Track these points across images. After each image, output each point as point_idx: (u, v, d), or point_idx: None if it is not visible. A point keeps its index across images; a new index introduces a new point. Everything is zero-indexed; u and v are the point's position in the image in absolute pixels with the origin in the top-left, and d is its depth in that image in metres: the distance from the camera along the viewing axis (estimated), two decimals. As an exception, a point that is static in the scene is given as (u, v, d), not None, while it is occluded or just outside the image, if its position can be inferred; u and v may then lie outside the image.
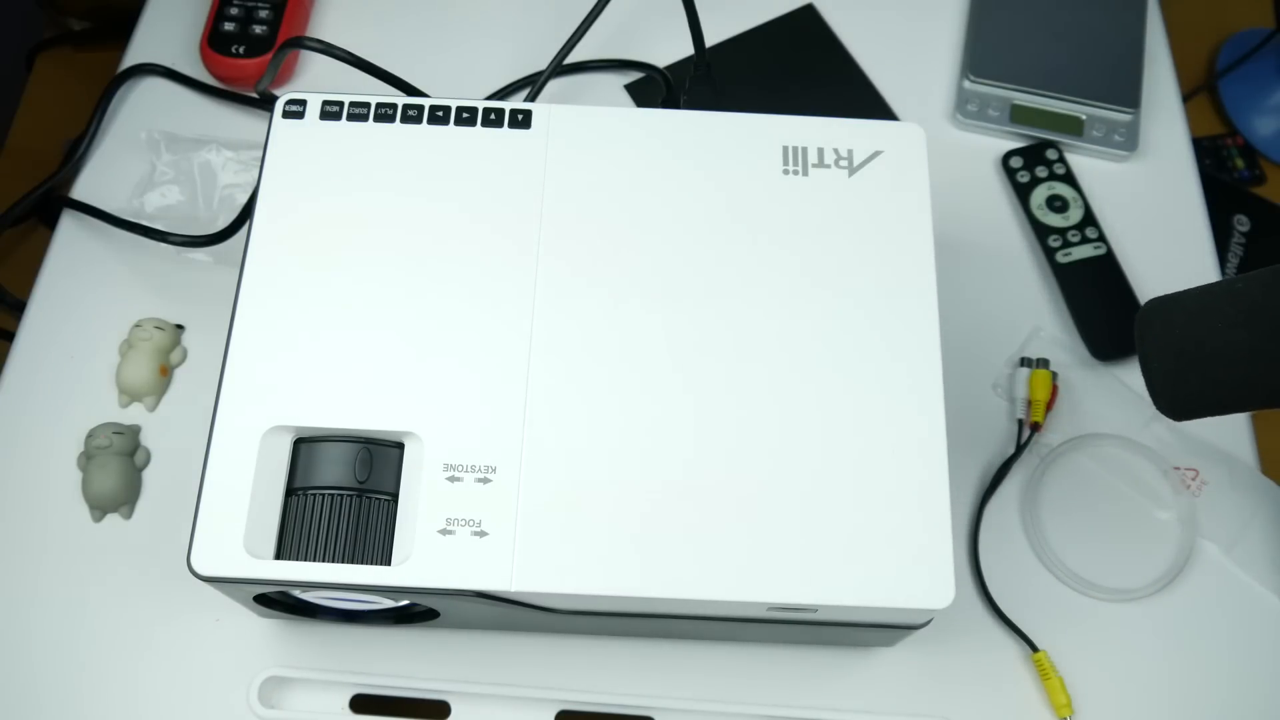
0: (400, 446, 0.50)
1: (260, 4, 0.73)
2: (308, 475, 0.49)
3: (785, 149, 0.55)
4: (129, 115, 0.72)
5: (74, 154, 0.70)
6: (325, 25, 0.76)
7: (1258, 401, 0.45)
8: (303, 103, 0.55)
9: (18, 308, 0.66)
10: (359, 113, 0.55)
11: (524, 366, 0.50)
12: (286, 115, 0.55)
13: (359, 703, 0.56)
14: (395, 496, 0.49)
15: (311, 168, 0.54)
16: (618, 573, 0.47)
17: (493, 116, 0.55)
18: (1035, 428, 0.63)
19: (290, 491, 0.49)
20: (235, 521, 0.47)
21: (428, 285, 0.52)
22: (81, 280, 0.66)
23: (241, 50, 0.71)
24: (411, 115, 0.55)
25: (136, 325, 0.63)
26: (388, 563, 0.48)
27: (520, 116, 0.55)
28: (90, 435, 0.60)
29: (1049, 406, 0.63)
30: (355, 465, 0.49)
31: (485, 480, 0.48)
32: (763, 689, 0.57)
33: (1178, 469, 0.62)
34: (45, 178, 0.70)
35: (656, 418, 0.50)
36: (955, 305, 0.66)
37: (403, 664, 0.57)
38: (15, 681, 0.56)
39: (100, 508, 0.60)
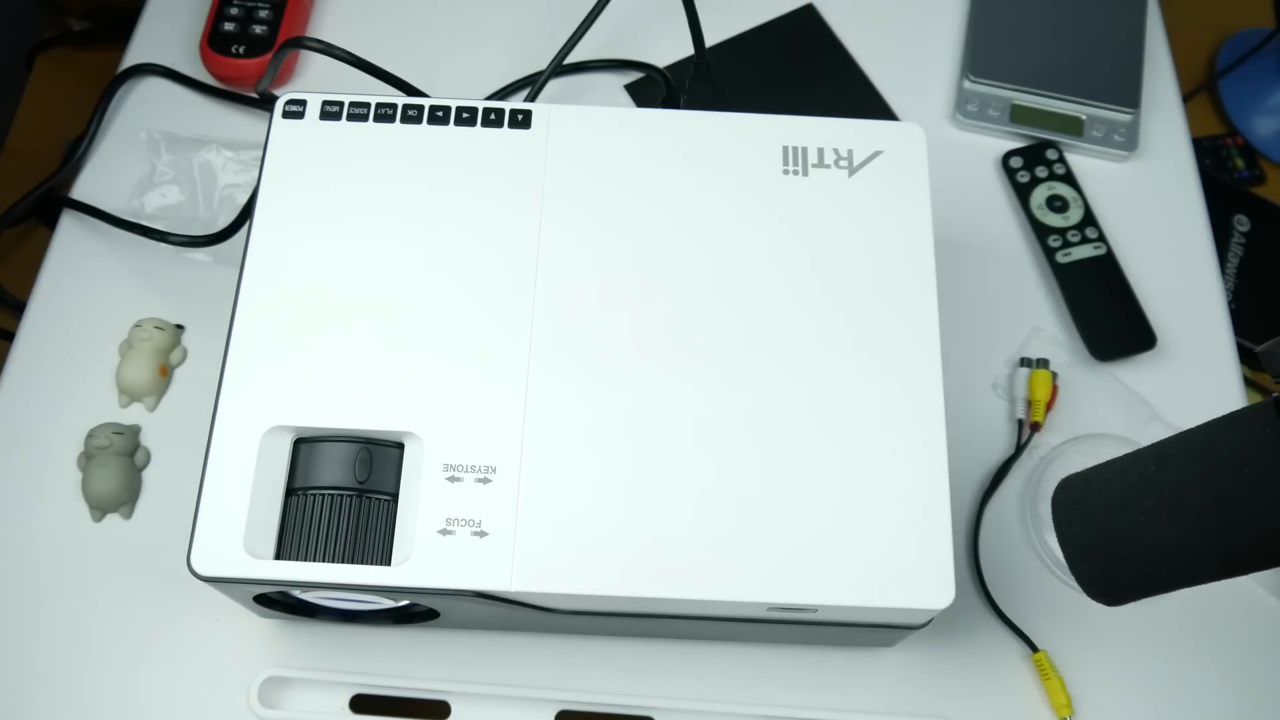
0: (400, 446, 0.50)
1: (260, 4, 0.73)
2: (308, 475, 0.49)
3: (785, 149, 0.55)
4: (129, 115, 0.72)
5: (74, 154, 0.70)
6: (325, 25, 0.76)
7: (1194, 582, 0.43)
8: (303, 103, 0.55)
9: (18, 308, 0.66)
10: (359, 113, 0.55)
11: (524, 366, 0.50)
12: (286, 115, 0.55)
13: (359, 703, 0.56)
14: (395, 496, 0.49)
15: (311, 168, 0.54)
16: (617, 573, 0.47)
17: (493, 116, 0.55)
18: (1035, 428, 0.63)
19: (290, 492, 0.49)
20: (235, 522, 0.47)
21: (428, 285, 0.52)
22: (81, 280, 0.66)
23: (241, 50, 0.71)
24: (411, 115, 0.55)
25: (136, 325, 0.63)
26: (388, 563, 0.48)
27: (520, 116, 0.55)
28: (90, 435, 0.60)
29: (1049, 406, 0.63)
30: (355, 465, 0.49)
31: (485, 480, 0.48)
32: (763, 689, 0.57)
33: (1178, 469, 0.62)
34: (45, 178, 0.70)
35: (656, 417, 0.50)
36: (955, 305, 0.66)
37: (403, 664, 0.57)
38: (15, 681, 0.56)
39: (100, 508, 0.60)
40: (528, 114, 0.55)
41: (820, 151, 0.55)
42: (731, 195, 0.54)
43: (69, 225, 0.68)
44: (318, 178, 0.54)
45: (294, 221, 0.53)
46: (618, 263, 0.52)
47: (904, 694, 0.58)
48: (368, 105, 0.55)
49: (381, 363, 0.50)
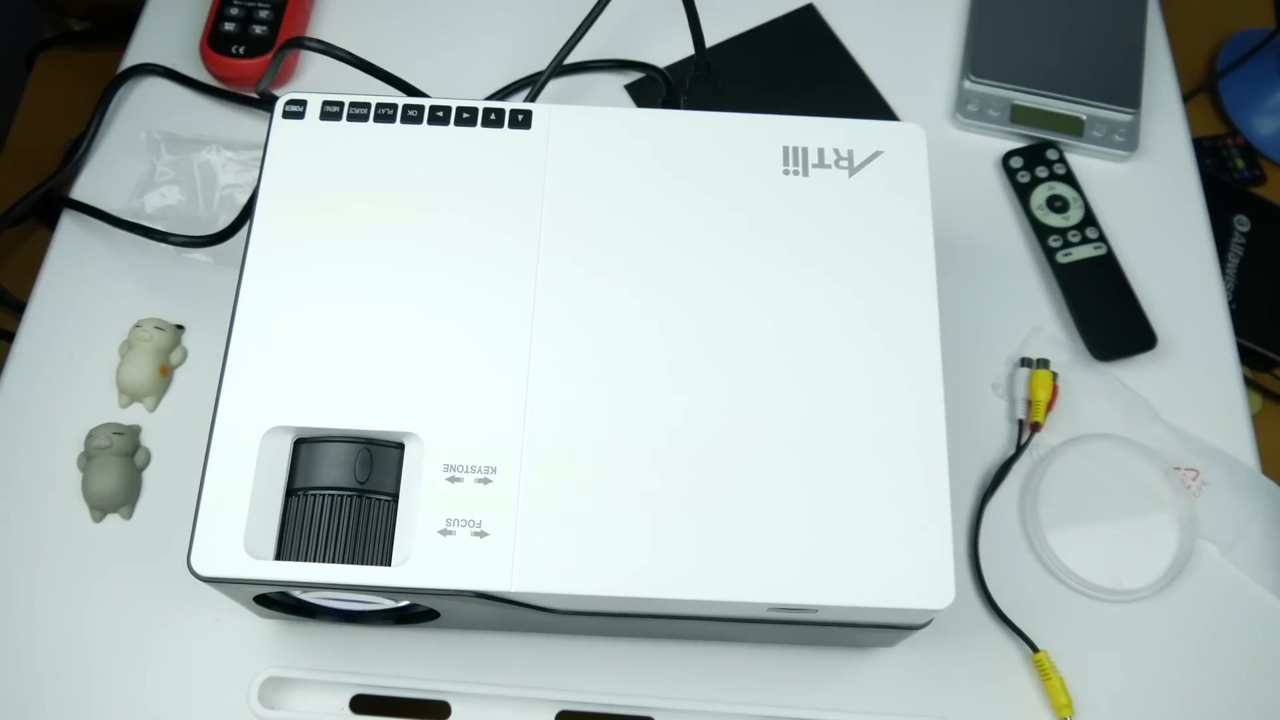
0: (400, 447, 0.50)
1: (260, 4, 0.73)
2: (308, 476, 0.49)
3: (786, 149, 0.55)
4: (129, 115, 0.72)
5: (74, 154, 0.70)
6: (325, 25, 0.76)
7: None
8: (303, 103, 0.55)
9: (18, 308, 0.66)
10: (359, 113, 0.55)
11: (524, 367, 0.50)
12: (287, 115, 0.55)
13: (359, 703, 0.56)
14: (395, 497, 0.49)
15: (312, 168, 0.54)
16: (618, 573, 0.47)
17: (493, 117, 0.55)
18: (1035, 428, 0.63)
19: (290, 492, 0.49)
20: (235, 522, 0.47)
21: (428, 286, 0.52)
22: (81, 280, 0.66)
23: (241, 50, 0.71)
24: (412, 115, 0.55)
25: (136, 325, 0.63)
26: (388, 563, 0.48)
27: (520, 117, 0.55)
28: (90, 435, 0.60)
29: (1049, 406, 0.63)
30: (355, 466, 0.49)
31: (485, 481, 0.48)
32: (763, 689, 0.57)
33: (1178, 469, 0.62)
34: (45, 178, 0.70)
35: (656, 418, 0.50)
36: (955, 305, 0.66)
37: (403, 664, 0.57)
38: (15, 682, 0.56)
39: (100, 508, 0.60)
40: (528, 114, 0.55)
41: (820, 152, 0.55)
42: (732, 196, 0.54)
43: (69, 225, 0.68)
44: (318, 178, 0.54)
45: (294, 222, 0.53)
46: (618, 263, 0.52)
47: (904, 694, 0.57)
48: (368, 105, 0.55)
49: (382, 363, 0.50)
